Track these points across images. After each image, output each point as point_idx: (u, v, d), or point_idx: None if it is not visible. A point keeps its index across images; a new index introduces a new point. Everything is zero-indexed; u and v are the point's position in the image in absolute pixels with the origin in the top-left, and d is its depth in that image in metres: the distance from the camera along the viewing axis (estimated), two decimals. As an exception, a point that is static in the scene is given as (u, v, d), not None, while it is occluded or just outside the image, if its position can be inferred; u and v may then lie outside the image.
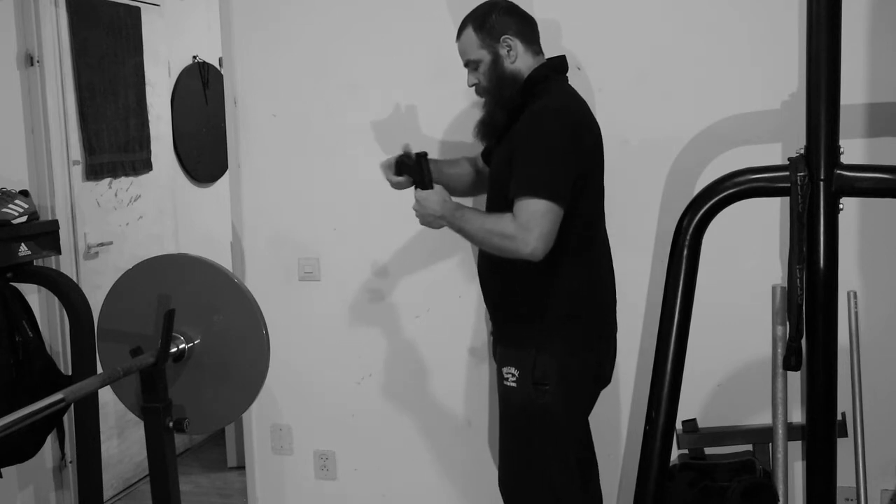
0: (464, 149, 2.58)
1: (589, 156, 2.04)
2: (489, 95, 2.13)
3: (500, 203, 2.03)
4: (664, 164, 2.47)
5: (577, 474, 2.15)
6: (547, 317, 2.06)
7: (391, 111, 2.68)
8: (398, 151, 2.25)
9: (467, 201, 2.30)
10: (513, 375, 2.07)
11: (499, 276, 2.12)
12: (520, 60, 2.09)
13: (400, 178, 2.24)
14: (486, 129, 2.16)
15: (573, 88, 2.15)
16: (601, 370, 2.17)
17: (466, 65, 2.15)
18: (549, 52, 2.18)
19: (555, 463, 2.09)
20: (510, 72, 2.09)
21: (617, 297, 2.22)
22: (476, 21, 2.10)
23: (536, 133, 1.99)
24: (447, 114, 2.63)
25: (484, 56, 2.09)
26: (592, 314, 2.11)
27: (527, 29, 2.12)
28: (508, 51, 2.08)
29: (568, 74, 2.19)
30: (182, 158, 4.02)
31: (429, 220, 2.10)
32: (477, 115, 2.21)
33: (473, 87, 2.17)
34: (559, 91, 2.10)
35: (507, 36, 2.07)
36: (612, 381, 2.23)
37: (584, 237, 2.06)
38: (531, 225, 1.90)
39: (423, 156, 2.16)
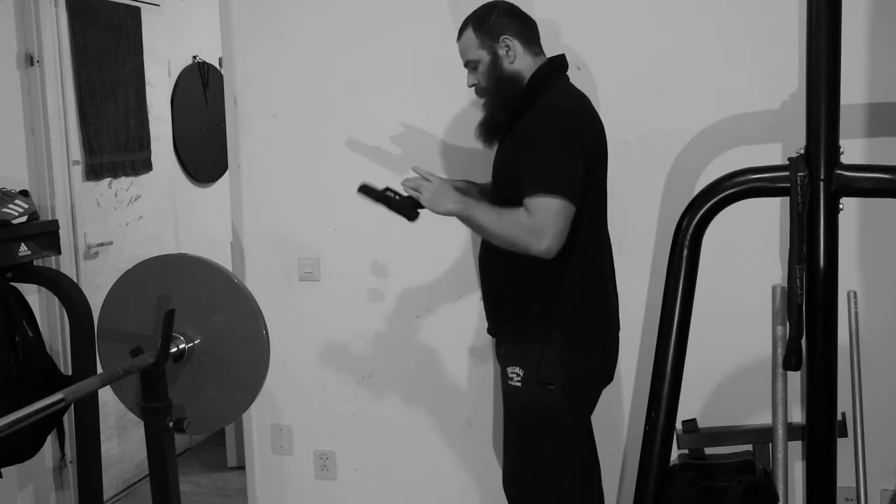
0: (463, 147, 2.58)
1: (592, 152, 2.05)
2: (489, 96, 2.14)
3: (504, 206, 2.02)
4: (664, 164, 2.47)
5: (580, 474, 2.15)
6: (551, 312, 2.06)
7: (391, 111, 2.68)
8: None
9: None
10: (517, 375, 2.07)
11: (503, 269, 2.11)
12: (519, 61, 2.09)
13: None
14: (488, 129, 2.17)
15: (574, 86, 2.15)
16: (605, 368, 2.18)
17: (466, 65, 2.17)
18: (550, 51, 2.18)
19: (559, 463, 2.09)
20: (509, 72, 2.09)
21: (618, 295, 2.22)
22: (476, 21, 2.12)
23: (542, 131, 1.99)
24: (447, 113, 2.63)
25: (483, 56, 2.11)
26: (595, 310, 2.11)
27: (526, 30, 2.12)
28: (507, 51, 2.09)
29: (568, 73, 2.19)
30: (182, 158, 4.01)
31: (439, 199, 2.02)
32: (477, 113, 2.21)
33: (473, 88, 2.18)
34: (560, 89, 2.10)
35: (505, 36, 2.08)
36: (613, 380, 2.23)
37: (588, 233, 2.06)
38: (546, 223, 1.91)
39: None
